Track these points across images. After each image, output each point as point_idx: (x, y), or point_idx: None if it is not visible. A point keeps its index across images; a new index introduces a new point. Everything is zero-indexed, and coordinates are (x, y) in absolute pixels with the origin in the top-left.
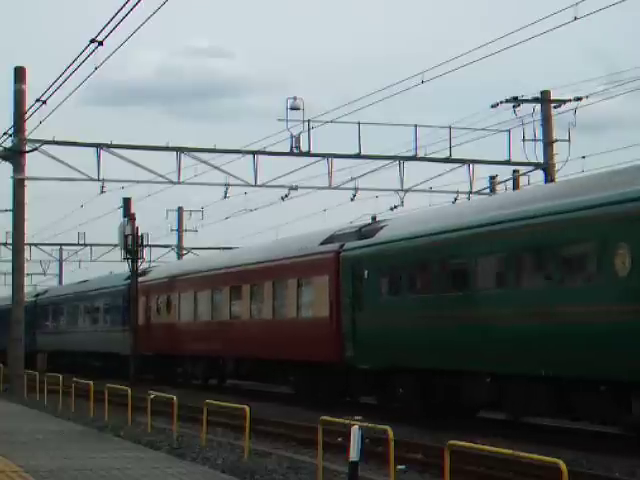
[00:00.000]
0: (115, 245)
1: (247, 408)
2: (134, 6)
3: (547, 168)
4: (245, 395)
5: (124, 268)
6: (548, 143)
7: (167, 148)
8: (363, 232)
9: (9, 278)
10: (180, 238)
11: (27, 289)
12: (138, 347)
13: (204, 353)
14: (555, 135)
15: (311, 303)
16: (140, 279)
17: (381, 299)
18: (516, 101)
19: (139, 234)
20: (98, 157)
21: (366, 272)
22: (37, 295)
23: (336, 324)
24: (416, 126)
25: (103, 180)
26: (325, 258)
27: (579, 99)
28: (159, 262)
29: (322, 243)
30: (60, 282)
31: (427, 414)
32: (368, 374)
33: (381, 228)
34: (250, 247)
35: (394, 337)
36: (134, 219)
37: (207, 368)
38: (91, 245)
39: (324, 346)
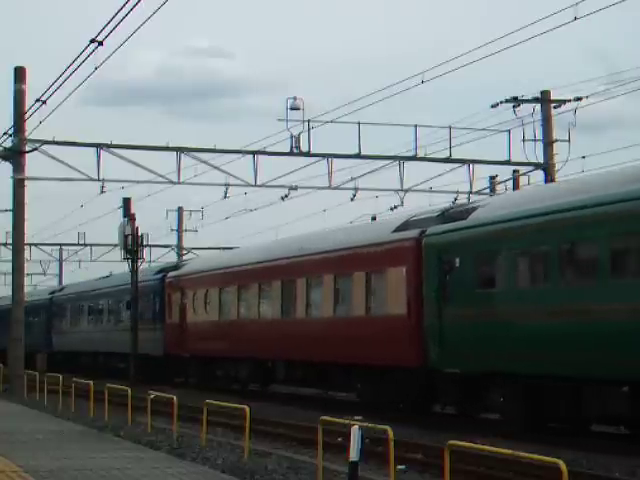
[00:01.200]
0: (115, 245)
1: (247, 408)
2: (134, 6)
3: (547, 168)
4: (245, 395)
5: (124, 268)
6: (548, 143)
7: (167, 148)
8: (449, 215)
9: (9, 278)
10: (180, 238)
11: (27, 289)
12: (171, 348)
13: (249, 355)
14: (555, 135)
15: (383, 298)
16: (172, 274)
17: (478, 291)
18: (516, 101)
19: (139, 234)
20: (98, 157)
21: (458, 260)
22: (53, 292)
23: (416, 322)
24: (416, 126)
25: (103, 180)
26: (402, 247)
27: (579, 99)
28: (159, 262)
29: (395, 230)
30: (60, 282)
31: (533, 428)
32: (455, 380)
33: (473, 210)
34: (303, 236)
35: (495, 336)
36: (134, 219)
37: (252, 371)
38: (91, 245)
39: (400, 347)
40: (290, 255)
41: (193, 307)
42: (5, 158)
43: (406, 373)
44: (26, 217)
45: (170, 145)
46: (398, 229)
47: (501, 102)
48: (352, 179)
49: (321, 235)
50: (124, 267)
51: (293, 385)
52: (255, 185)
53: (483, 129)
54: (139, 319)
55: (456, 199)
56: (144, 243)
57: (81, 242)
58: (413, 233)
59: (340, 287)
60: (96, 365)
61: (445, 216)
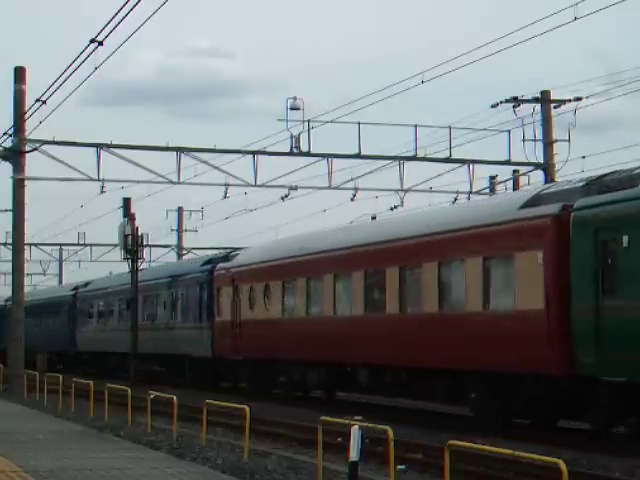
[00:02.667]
0: (115, 245)
1: (247, 408)
2: (134, 6)
3: (547, 168)
4: (245, 395)
5: (124, 268)
6: (548, 143)
7: (167, 148)
8: (604, 184)
9: (9, 278)
10: (180, 238)
11: (27, 289)
12: (221, 349)
13: (322, 358)
14: (555, 135)
15: (509, 290)
16: (223, 265)
17: None
18: (516, 101)
19: (139, 234)
20: (98, 157)
21: (626, 239)
22: (76, 288)
23: (558, 318)
24: (416, 126)
25: (103, 180)
26: (536, 226)
27: (579, 99)
28: (159, 261)
29: (524, 206)
30: (60, 282)
31: None
32: (618, 390)
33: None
34: (393, 217)
35: None
36: (134, 219)
37: (325, 377)
38: (91, 245)
39: (534, 350)
40: (376, 240)
41: (249, 303)
42: (5, 158)
43: (542, 382)
44: (26, 217)
45: (170, 145)
46: (527, 205)
47: (501, 102)
48: (352, 179)
49: (416, 217)
50: (124, 267)
51: (379, 394)
52: (255, 185)
53: (483, 129)
54: (184, 316)
55: (456, 199)
56: (144, 243)
57: (81, 242)
58: (552, 209)
59: (446, 277)
60: (126, 367)
61: (597, 185)
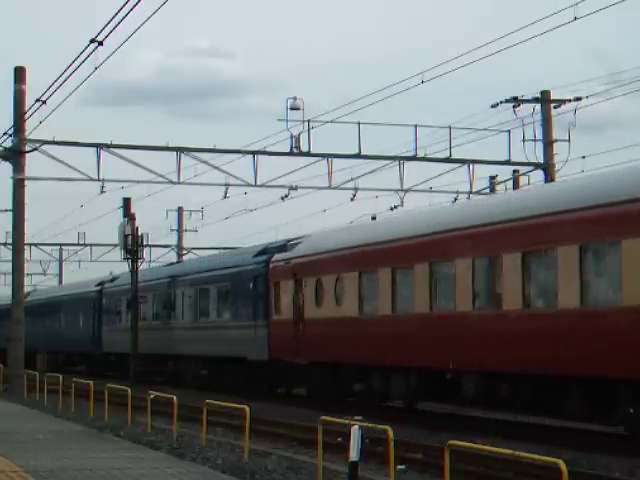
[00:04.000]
0: (115, 245)
1: (247, 408)
2: (134, 6)
3: (547, 168)
4: (245, 395)
5: (124, 268)
6: (548, 143)
7: (167, 148)
8: None
9: (9, 278)
10: (180, 238)
11: (27, 289)
12: (279, 351)
13: (412, 363)
14: (555, 135)
15: None
16: (281, 256)
17: None
18: (516, 101)
19: (139, 234)
20: (98, 157)
21: None
22: (102, 284)
23: None
24: (416, 126)
25: (103, 180)
26: None
27: (579, 99)
28: (159, 262)
29: None
30: (60, 282)
31: None
32: None
33: None
34: (509, 196)
35: None
36: (134, 219)
37: (414, 385)
38: (91, 245)
39: None
40: (490, 221)
41: (315, 299)
42: (5, 158)
43: None
44: (26, 217)
45: (170, 145)
46: None
47: (501, 102)
48: (352, 179)
49: (547, 190)
50: (124, 267)
51: (489, 408)
52: (255, 185)
53: (483, 129)
54: (234, 314)
55: (456, 199)
56: (144, 243)
57: (81, 242)
58: None
59: (591, 265)
60: (163, 371)
61: None
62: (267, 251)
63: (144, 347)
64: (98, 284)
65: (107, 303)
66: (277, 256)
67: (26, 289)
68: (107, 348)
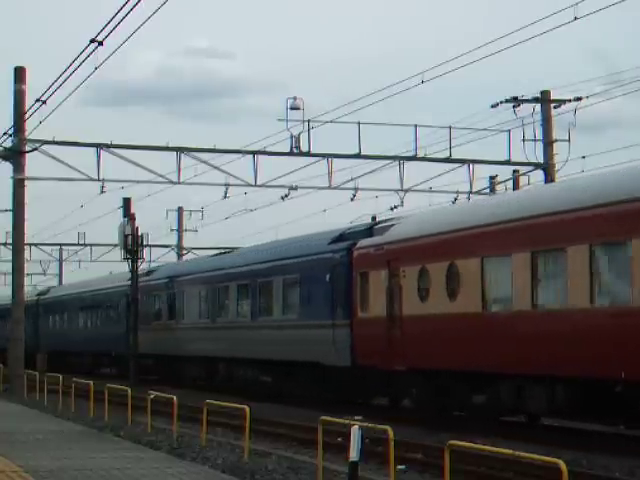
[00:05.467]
0: (115, 245)
1: (247, 408)
2: (134, 6)
3: (547, 168)
4: (245, 395)
5: (124, 268)
6: (548, 143)
7: (167, 148)
8: None
9: (9, 278)
10: (180, 238)
11: (27, 289)
12: (365, 356)
13: (565, 372)
14: (555, 135)
15: None
16: (367, 242)
17: None
18: (516, 101)
19: (139, 234)
20: (98, 157)
21: None
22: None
23: None
24: (416, 126)
25: (103, 180)
26: None
27: (579, 99)
28: (159, 262)
29: None
30: (60, 282)
31: None
32: None
33: None
34: None
35: None
36: (134, 219)
37: (562, 397)
38: (91, 245)
39: None
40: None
41: (418, 292)
42: (5, 158)
43: None
44: (26, 217)
45: (170, 145)
46: None
47: (501, 102)
48: (352, 179)
49: None
50: (124, 267)
51: None
52: (255, 185)
53: (483, 129)
54: (305, 311)
55: (456, 199)
56: (144, 243)
57: (81, 242)
58: None
59: None
60: (212, 375)
61: None
62: (345, 237)
63: (187, 349)
64: (129, 278)
65: (142, 299)
66: (363, 242)
67: (26, 289)
68: (143, 349)
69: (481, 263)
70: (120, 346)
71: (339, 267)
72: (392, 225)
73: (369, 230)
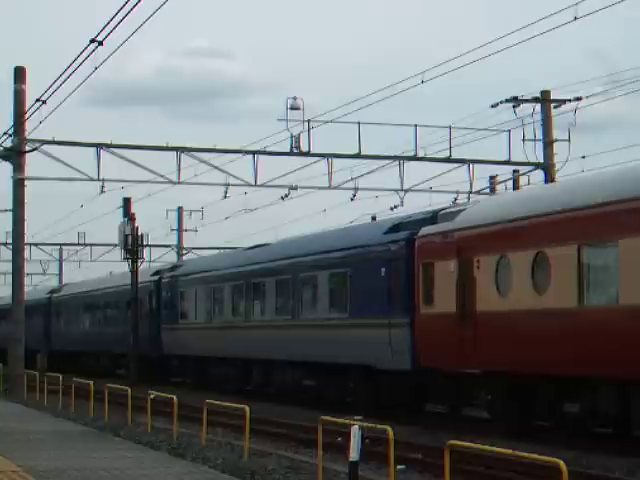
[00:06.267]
0: (115, 245)
1: (247, 408)
2: (134, 6)
3: (547, 168)
4: (245, 395)
5: (124, 268)
6: (548, 143)
7: (167, 148)
8: None
9: (9, 278)
10: (180, 238)
11: (27, 289)
12: (428, 358)
13: None
14: (555, 135)
15: None
16: (431, 230)
17: None
18: (516, 101)
19: (139, 234)
20: (98, 157)
21: None
22: (159, 272)
23: None
24: (416, 126)
25: (103, 180)
26: None
27: (579, 99)
28: (159, 262)
29: None
30: (60, 282)
31: None
32: None
33: None
34: None
35: None
36: (134, 219)
37: None
38: (91, 245)
39: None
40: None
41: (497, 284)
42: (5, 158)
43: None
44: (26, 217)
45: (170, 145)
46: None
47: (501, 102)
48: (352, 179)
49: None
50: (124, 267)
51: None
52: (255, 185)
53: (483, 129)
54: (356, 307)
55: (456, 199)
56: (144, 243)
57: (81, 242)
58: None
59: None
60: (246, 378)
61: None
62: (402, 226)
63: (218, 350)
64: (154, 273)
65: (167, 296)
66: (426, 229)
67: (26, 289)
68: (168, 350)
69: (578, 251)
70: (144, 347)
71: (398, 259)
72: (461, 210)
73: (432, 217)
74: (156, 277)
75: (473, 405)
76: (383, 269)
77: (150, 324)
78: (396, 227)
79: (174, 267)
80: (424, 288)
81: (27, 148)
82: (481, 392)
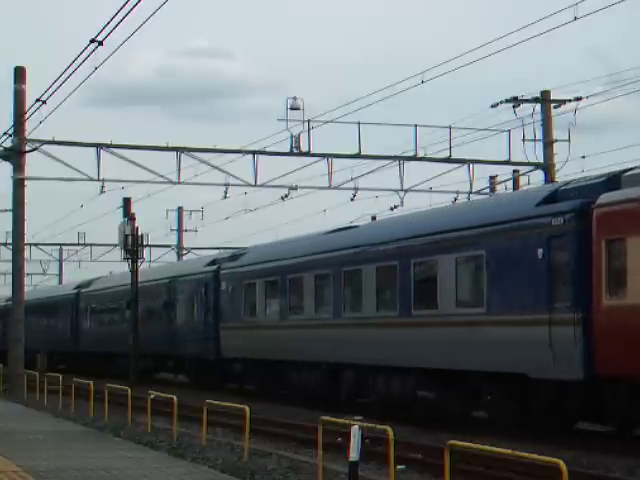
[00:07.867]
0: (115, 245)
1: (247, 408)
2: (134, 6)
3: (547, 168)
4: (245, 395)
5: (124, 268)
6: (548, 143)
7: (167, 148)
8: None
9: (9, 278)
10: (180, 238)
11: (27, 289)
12: (614, 365)
13: None
14: (555, 135)
15: None
16: (610, 197)
17: None
18: (516, 101)
19: (139, 234)
20: (98, 157)
21: None
22: (215, 262)
23: None
24: (416, 126)
25: (103, 180)
26: None
27: (579, 99)
28: (159, 262)
29: None
30: (60, 282)
31: None
32: None
33: None
34: None
35: None
36: (134, 219)
37: None
38: (91, 245)
39: None
40: None
41: None
42: (5, 158)
43: None
44: (26, 217)
45: (170, 145)
46: None
47: (501, 102)
48: (352, 179)
49: None
50: (124, 267)
51: None
52: (255, 185)
53: (483, 129)
54: (494, 301)
55: (456, 199)
56: (144, 243)
57: (81, 242)
58: None
59: None
60: (334, 386)
61: None
62: (561, 196)
63: (298, 352)
64: (210, 263)
65: (228, 290)
66: (609, 196)
67: (26, 289)
68: (228, 352)
69: None
70: (198, 349)
71: (563, 235)
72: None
73: (607, 181)
74: (213, 267)
75: None
76: (540, 250)
77: (205, 322)
78: (552, 197)
79: (235, 256)
80: (609, 273)
81: (27, 148)
82: None
